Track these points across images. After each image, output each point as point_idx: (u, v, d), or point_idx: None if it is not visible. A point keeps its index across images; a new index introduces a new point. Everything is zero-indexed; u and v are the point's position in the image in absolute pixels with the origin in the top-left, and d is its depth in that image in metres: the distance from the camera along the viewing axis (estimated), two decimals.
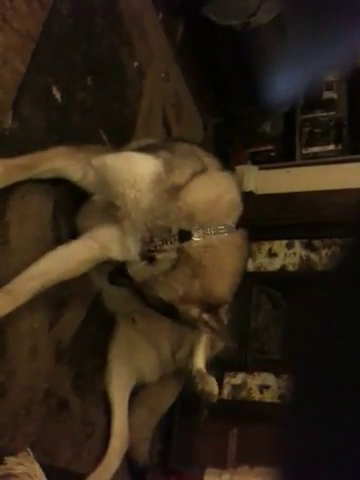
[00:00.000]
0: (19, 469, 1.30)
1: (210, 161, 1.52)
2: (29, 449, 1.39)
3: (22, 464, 1.33)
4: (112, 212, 1.44)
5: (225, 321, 1.48)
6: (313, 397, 0.56)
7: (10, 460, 1.31)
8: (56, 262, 1.43)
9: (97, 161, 1.47)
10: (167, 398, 2.03)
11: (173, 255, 1.39)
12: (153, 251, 1.40)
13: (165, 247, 1.39)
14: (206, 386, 1.68)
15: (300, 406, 0.58)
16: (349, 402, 0.50)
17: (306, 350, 0.59)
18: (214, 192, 1.44)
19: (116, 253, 1.45)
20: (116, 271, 1.49)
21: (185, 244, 1.39)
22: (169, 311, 1.48)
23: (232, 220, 1.46)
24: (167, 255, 1.40)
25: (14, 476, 1.29)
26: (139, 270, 1.44)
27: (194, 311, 1.42)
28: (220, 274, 1.43)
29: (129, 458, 1.93)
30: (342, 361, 0.52)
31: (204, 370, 1.73)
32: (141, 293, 1.49)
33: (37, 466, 1.37)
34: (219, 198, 1.45)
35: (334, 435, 0.52)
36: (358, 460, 0.49)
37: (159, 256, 1.40)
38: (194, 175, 1.44)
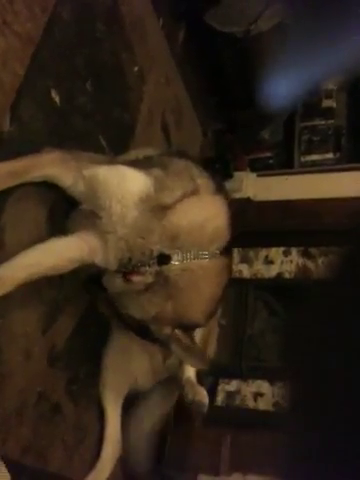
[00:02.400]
0: None
1: (203, 182, 1.50)
2: None
3: None
4: (97, 223, 1.43)
5: (213, 340, 1.49)
6: (311, 404, 0.56)
7: None
8: (44, 255, 1.42)
9: (89, 172, 1.46)
10: (168, 402, 2.03)
11: (149, 279, 1.39)
12: (130, 272, 1.39)
13: (143, 270, 1.39)
14: (196, 396, 1.67)
15: (300, 412, 0.58)
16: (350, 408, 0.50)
17: (305, 357, 0.59)
18: (201, 216, 1.43)
19: (99, 260, 1.44)
20: (93, 278, 1.49)
21: (163, 267, 1.38)
22: (140, 328, 1.47)
23: (216, 246, 1.45)
24: (143, 278, 1.39)
25: None
26: (113, 283, 1.44)
27: (167, 329, 1.42)
28: (195, 298, 1.43)
29: (128, 466, 1.93)
30: (342, 366, 0.52)
31: (194, 379, 1.73)
32: (113, 306, 1.50)
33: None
34: (205, 223, 1.43)
35: (334, 443, 0.52)
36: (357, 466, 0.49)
37: (135, 278, 1.40)
38: (184, 196, 1.43)
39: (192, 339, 1.44)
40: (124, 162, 1.57)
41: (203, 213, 1.44)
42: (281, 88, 2.41)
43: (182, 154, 1.66)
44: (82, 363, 1.74)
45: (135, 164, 1.51)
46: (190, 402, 1.68)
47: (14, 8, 1.49)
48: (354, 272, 0.55)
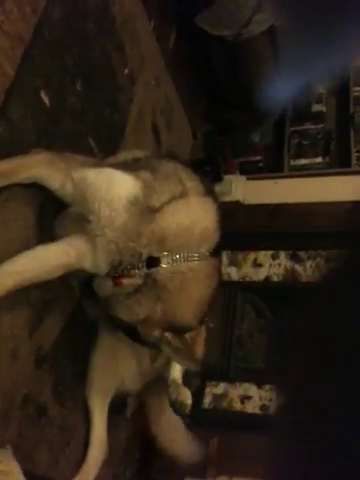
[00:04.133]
0: None
1: (192, 185, 1.49)
2: (9, 446, 1.37)
3: (0, 462, 1.30)
4: (86, 227, 1.43)
5: (201, 342, 1.48)
6: (305, 407, 0.56)
7: None
8: (31, 262, 1.41)
9: (78, 174, 1.45)
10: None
11: (139, 281, 1.39)
12: (120, 275, 1.39)
13: (132, 272, 1.38)
14: (179, 397, 1.67)
15: (293, 416, 0.58)
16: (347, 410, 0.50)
17: (298, 360, 0.59)
18: (189, 218, 1.42)
19: (88, 265, 1.44)
20: (85, 282, 1.49)
21: (152, 270, 1.38)
22: (130, 331, 1.47)
23: (205, 248, 1.44)
24: (133, 281, 1.39)
25: None
26: (103, 287, 1.44)
27: (156, 332, 1.42)
28: (184, 301, 1.42)
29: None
30: (336, 369, 0.52)
31: (179, 380, 1.73)
32: (104, 309, 1.49)
33: (16, 464, 1.35)
34: (193, 225, 1.42)
35: (328, 445, 0.52)
36: (351, 470, 0.49)
37: (125, 281, 1.39)
38: (172, 199, 1.42)
39: (183, 341, 1.44)
40: (112, 165, 1.57)
41: (191, 215, 1.44)
42: (271, 91, 2.42)
43: (171, 157, 1.66)
44: (69, 364, 1.74)
45: (123, 167, 1.50)
46: (173, 402, 1.68)
47: (4, 8, 1.48)
48: (350, 275, 0.55)
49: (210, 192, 1.58)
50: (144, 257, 1.38)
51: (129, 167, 1.50)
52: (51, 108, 1.66)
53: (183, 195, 1.45)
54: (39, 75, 1.62)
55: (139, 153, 1.76)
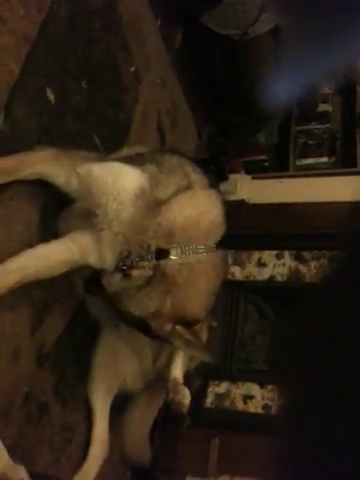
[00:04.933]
0: None
1: (197, 178, 1.50)
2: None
3: None
4: (92, 221, 1.43)
5: (203, 337, 1.48)
6: (301, 407, 0.56)
7: None
8: (35, 259, 1.41)
9: (83, 169, 1.45)
10: (158, 399, 2.03)
11: (149, 272, 1.38)
12: (130, 266, 1.39)
13: (141, 264, 1.38)
14: (176, 396, 1.68)
15: (295, 416, 0.58)
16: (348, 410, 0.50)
17: (300, 360, 0.59)
18: (195, 211, 1.43)
19: (93, 260, 1.44)
20: (91, 279, 1.49)
21: (161, 262, 1.38)
22: (141, 326, 1.47)
23: (213, 240, 1.45)
24: (143, 272, 1.39)
25: None
26: (112, 282, 1.43)
27: (167, 326, 1.41)
28: (194, 293, 1.42)
29: (133, 463, 1.98)
30: (338, 370, 0.52)
31: (180, 380, 1.73)
32: (113, 305, 1.49)
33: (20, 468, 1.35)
34: (200, 217, 1.43)
35: (329, 446, 0.52)
36: (352, 471, 0.49)
37: (135, 272, 1.39)
38: (178, 192, 1.42)
39: (194, 333, 1.44)
40: (117, 159, 1.57)
41: (198, 208, 1.44)
42: (277, 91, 2.42)
43: (174, 151, 1.65)
44: (70, 363, 1.74)
45: (128, 161, 1.51)
46: (171, 401, 1.68)
47: (10, 6, 1.48)
48: (352, 276, 0.55)
49: (214, 185, 1.58)
50: (153, 249, 1.38)
51: (133, 161, 1.50)
52: (56, 106, 1.66)
53: (189, 188, 1.45)
54: (44, 74, 1.62)
55: (142, 149, 1.76)
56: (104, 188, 1.40)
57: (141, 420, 2.03)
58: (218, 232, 1.47)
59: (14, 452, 1.42)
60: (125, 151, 1.79)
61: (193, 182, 1.47)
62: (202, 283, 1.44)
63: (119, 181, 1.41)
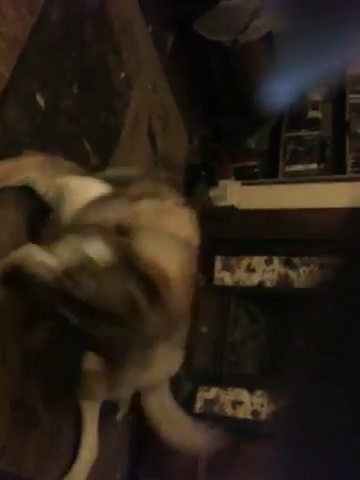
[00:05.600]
0: None
1: (169, 195, 1.45)
2: None
3: None
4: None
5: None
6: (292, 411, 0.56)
7: None
8: None
9: (61, 181, 1.45)
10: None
11: None
12: None
13: None
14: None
15: (290, 419, 0.58)
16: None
17: (297, 367, 0.59)
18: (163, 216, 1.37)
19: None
20: None
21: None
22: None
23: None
24: None
25: None
26: None
27: None
28: None
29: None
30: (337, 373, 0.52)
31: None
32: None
33: None
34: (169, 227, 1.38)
35: (315, 450, 0.52)
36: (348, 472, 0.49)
37: None
38: (144, 196, 1.39)
39: None
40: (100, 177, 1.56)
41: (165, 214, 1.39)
42: (267, 97, 2.43)
43: (165, 163, 1.65)
44: (60, 368, 1.72)
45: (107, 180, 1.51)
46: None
47: (1, 9, 1.48)
48: (347, 281, 0.56)
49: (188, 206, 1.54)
50: None
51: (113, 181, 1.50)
52: (46, 110, 1.65)
53: (158, 197, 1.41)
54: (35, 77, 1.62)
55: (131, 171, 1.73)
56: (72, 198, 1.41)
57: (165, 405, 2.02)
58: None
59: (2, 457, 1.40)
60: (113, 171, 1.80)
61: (164, 196, 1.42)
62: None
63: (87, 192, 1.41)
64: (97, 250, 1.22)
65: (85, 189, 1.43)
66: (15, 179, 1.43)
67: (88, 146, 1.88)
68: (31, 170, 1.45)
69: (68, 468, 1.77)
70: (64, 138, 1.75)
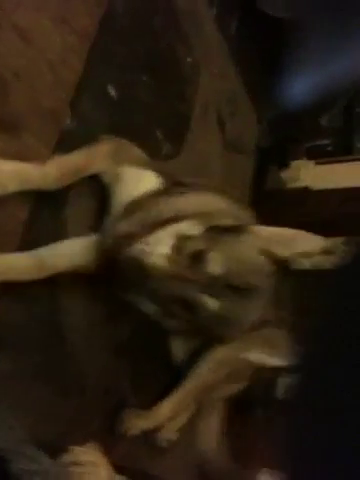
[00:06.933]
0: (85, 458, 1.29)
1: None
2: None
3: (88, 454, 1.31)
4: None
5: None
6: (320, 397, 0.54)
7: (76, 449, 1.30)
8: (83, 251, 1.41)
9: (120, 170, 1.45)
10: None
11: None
12: None
13: None
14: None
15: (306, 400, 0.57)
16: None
17: (313, 346, 0.59)
18: None
19: None
20: None
21: None
22: None
23: None
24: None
25: (79, 464, 1.27)
26: None
27: None
28: None
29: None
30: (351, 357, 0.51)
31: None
32: None
33: (103, 457, 1.37)
34: None
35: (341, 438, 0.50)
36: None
37: None
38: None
39: None
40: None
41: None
42: (340, 72, 2.35)
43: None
44: (143, 358, 1.73)
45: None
46: None
47: (70, 4, 1.50)
48: None
49: None
50: None
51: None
52: (118, 101, 1.67)
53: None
54: (106, 69, 1.63)
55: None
56: (121, 189, 1.43)
57: (210, 428, 1.98)
58: None
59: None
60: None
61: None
62: None
63: (140, 184, 1.42)
64: None
65: (136, 182, 1.43)
66: (91, 170, 1.44)
67: (160, 135, 1.89)
68: (102, 160, 1.45)
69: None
70: (136, 128, 1.76)
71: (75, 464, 1.26)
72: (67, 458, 1.26)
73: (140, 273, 1.21)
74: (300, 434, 0.56)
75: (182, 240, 1.24)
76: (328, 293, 0.59)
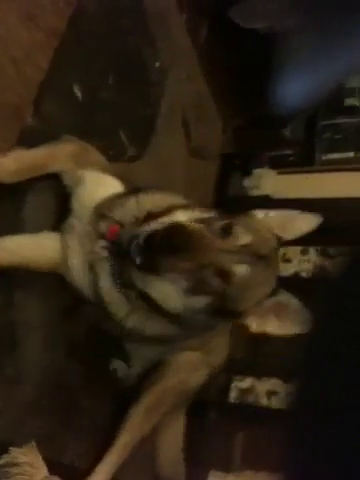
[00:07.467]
0: (22, 459, 1.33)
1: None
2: (34, 443, 1.40)
3: (26, 455, 1.35)
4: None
5: None
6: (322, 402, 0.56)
7: (14, 450, 1.34)
8: (28, 246, 1.43)
9: (81, 173, 1.46)
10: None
11: None
12: None
13: None
14: None
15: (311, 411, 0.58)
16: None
17: (312, 354, 0.59)
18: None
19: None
20: None
21: None
22: None
23: None
24: None
25: (17, 465, 1.31)
26: None
27: None
28: None
29: None
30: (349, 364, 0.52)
31: None
32: None
33: (40, 458, 1.39)
34: None
35: (345, 442, 0.52)
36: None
37: None
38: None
39: None
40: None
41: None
42: (304, 86, 2.40)
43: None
44: (98, 356, 1.74)
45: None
46: None
47: (39, 2, 1.49)
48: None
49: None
50: None
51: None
52: (83, 102, 1.67)
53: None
54: (72, 69, 1.63)
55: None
56: (82, 192, 1.44)
57: (173, 441, 2.00)
58: None
59: (42, 442, 1.43)
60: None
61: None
62: None
63: (100, 189, 1.44)
64: None
65: (97, 185, 1.45)
66: (50, 169, 1.44)
67: (124, 137, 1.89)
68: (63, 161, 1.46)
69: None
70: (101, 129, 1.76)
71: (12, 465, 1.28)
72: (5, 458, 1.28)
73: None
74: (300, 434, 0.57)
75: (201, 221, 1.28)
76: (327, 295, 0.60)
